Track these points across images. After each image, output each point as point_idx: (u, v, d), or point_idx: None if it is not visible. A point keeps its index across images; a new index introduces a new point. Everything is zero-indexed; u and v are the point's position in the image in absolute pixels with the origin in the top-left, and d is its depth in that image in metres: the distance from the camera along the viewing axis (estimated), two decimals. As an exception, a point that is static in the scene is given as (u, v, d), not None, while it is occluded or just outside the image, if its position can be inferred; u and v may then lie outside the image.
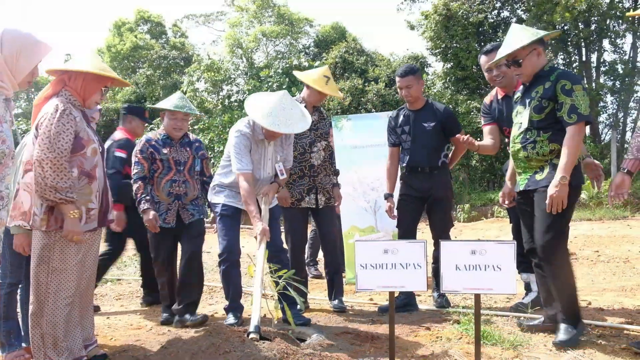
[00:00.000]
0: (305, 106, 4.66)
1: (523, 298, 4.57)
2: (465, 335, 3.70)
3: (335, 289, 4.89)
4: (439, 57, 18.17)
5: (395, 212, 4.77)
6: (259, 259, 3.72)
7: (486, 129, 4.54)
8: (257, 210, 4.06)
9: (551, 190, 3.44)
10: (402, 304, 4.71)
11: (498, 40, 19.10)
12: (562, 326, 3.56)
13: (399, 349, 3.50)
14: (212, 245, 9.09)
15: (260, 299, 3.44)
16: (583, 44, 17.01)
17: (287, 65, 19.72)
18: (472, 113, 15.97)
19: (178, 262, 4.59)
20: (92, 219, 3.19)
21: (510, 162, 4.09)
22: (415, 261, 2.94)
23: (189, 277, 4.39)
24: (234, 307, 4.33)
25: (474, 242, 2.99)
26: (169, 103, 4.48)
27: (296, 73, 5.06)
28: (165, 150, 4.41)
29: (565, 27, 16.56)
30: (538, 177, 3.65)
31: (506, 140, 4.30)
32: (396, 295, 5.04)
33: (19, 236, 3.29)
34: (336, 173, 4.96)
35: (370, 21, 49.96)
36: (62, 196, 2.95)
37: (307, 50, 21.95)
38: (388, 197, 4.79)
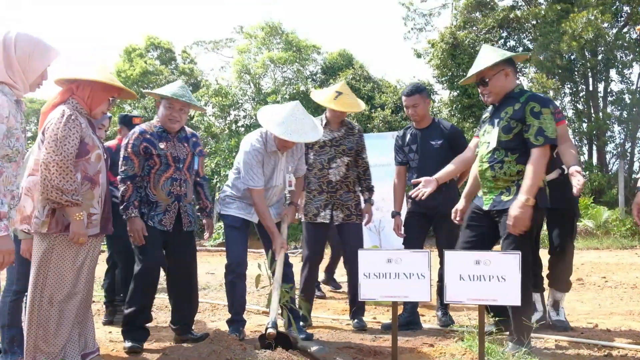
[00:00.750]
0: (327, 123, 4.72)
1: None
2: (469, 351, 3.63)
3: (356, 307, 4.80)
4: (445, 85, 18.29)
5: (402, 230, 4.73)
6: (279, 263, 3.91)
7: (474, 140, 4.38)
8: (275, 226, 4.14)
9: (514, 211, 3.40)
10: (406, 322, 4.65)
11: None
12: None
13: (402, 364, 3.46)
14: (216, 267, 9.12)
15: (277, 299, 3.59)
16: (590, 73, 17.06)
17: (295, 91, 19.85)
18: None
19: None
20: (93, 224, 3.22)
21: (470, 180, 4.21)
22: (419, 271, 2.92)
23: (184, 296, 4.11)
24: (237, 320, 4.27)
25: (478, 252, 2.97)
26: (166, 90, 4.03)
27: (312, 93, 5.08)
28: (162, 145, 3.93)
29: (572, 57, 16.66)
30: (504, 197, 3.63)
31: None
32: (399, 312, 5.00)
33: (26, 241, 3.33)
34: (369, 189, 4.86)
35: (377, 49, 50.40)
36: (68, 198, 3.00)
37: (314, 77, 22.10)
38: (395, 215, 4.76)
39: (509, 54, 3.75)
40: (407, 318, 4.70)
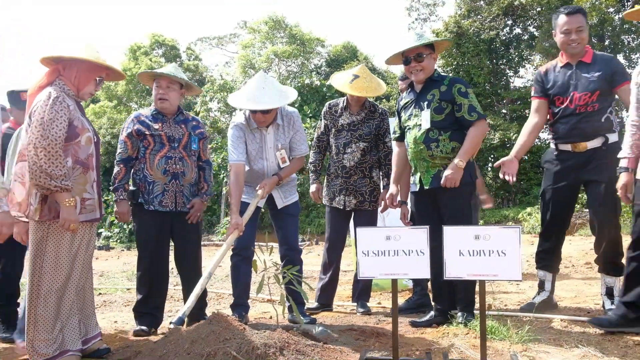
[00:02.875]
0: (346, 106, 4.67)
1: (534, 297, 4.47)
2: (472, 331, 3.61)
3: (360, 291, 4.80)
4: (450, 74, 18.19)
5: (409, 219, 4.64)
6: (220, 250, 3.80)
7: (535, 103, 4.36)
8: (238, 205, 4.02)
9: (447, 171, 3.72)
10: (416, 305, 4.64)
11: (510, 56, 19.14)
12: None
13: (404, 344, 3.43)
14: (223, 260, 9.15)
15: (199, 291, 3.52)
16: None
17: (299, 84, 19.84)
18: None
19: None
20: (87, 210, 3.17)
21: (394, 168, 4.24)
22: (418, 248, 2.88)
23: (191, 281, 4.01)
24: (240, 304, 4.26)
25: (477, 227, 2.93)
26: (155, 70, 4.13)
27: (333, 76, 5.02)
28: (156, 126, 4.00)
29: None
30: (443, 175, 3.80)
31: (555, 110, 4.23)
32: (409, 296, 4.97)
33: (17, 225, 3.29)
34: (389, 175, 4.56)
35: (381, 40, 50.30)
36: (57, 183, 2.92)
37: (319, 70, 22.11)
38: (402, 204, 4.41)
39: (436, 38, 4.07)
40: (417, 300, 4.69)
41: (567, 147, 4.18)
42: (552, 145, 4.33)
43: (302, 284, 3.86)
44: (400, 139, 4.19)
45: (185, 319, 3.30)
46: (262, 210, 4.50)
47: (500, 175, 4.25)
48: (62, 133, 2.99)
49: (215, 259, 3.71)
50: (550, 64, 4.38)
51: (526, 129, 4.36)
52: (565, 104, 4.14)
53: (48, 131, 2.92)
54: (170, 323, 3.28)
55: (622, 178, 3.69)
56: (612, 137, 4.06)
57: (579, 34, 4.09)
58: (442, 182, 3.75)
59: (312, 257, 11.06)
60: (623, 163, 3.71)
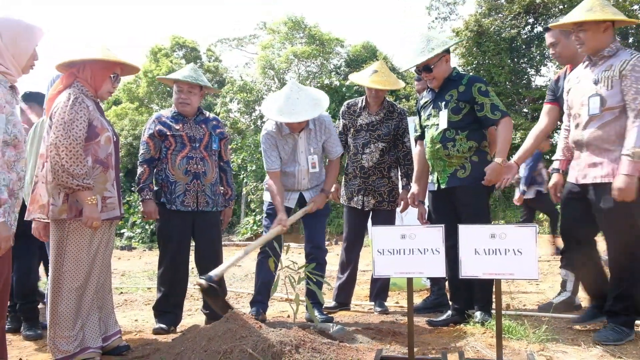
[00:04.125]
0: (365, 106, 4.68)
1: (554, 297, 4.44)
2: (489, 331, 3.60)
3: (376, 290, 4.80)
4: (472, 73, 18.05)
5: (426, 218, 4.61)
6: (261, 237, 4.04)
7: (545, 108, 4.30)
8: (282, 206, 4.11)
9: (490, 171, 3.74)
10: (434, 305, 4.64)
11: (532, 55, 18.95)
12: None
13: (420, 343, 3.43)
14: (243, 260, 9.18)
15: (236, 259, 3.72)
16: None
17: (319, 84, 19.84)
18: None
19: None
20: (109, 208, 3.22)
21: (416, 166, 4.29)
22: (434, 246, 2.88)
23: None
24: (259, 300, 4.30)
25: (493, 226, 2.92)
26: (175, 74, 4.14)
27: (352, 74, 5.03)
28: (177, 127, 4.06)
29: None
30: (460, 174, 3.89)
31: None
32: (427, 295, 4.96)
33: (36, 222, 3.38)
34: (408, 175, 4.59)
35: (400, 39, 50.06)
36: (79, 182, 2.98)
37: (338, 70, 22.06)
38: (419, 204, 4.35)
39: (449, 42, 4.03)
40: (435, 300, 4.69)
41: None
42: None
43: (323, 285, 3.89)
44: (422, 137, 4.21)
45: (210, 284, 3.42)
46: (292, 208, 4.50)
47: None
48: (83, 133, 3.06)
49: (255, 243, 3.90)
50: (562, 70, 4.32)
51: (534, 132, 4.25)
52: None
53: (69, 131, 2.99)
54: (200, 278, 3.44)
55: (553, 178, 4.02)
56: None
57: (553, 47, 4.11)
58: (485, 181, 3.76)
59: (332, 256, 11.02)
60: (555, 165, 4.00)
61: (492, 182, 3.75)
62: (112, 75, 3.29)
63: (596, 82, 3.42)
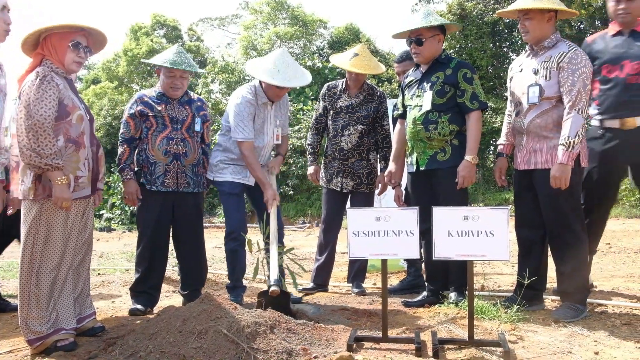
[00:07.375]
0: (345, 88, 4.68)
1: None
2: (463, 311, 3.64)
3: (354, 272, 4.82)
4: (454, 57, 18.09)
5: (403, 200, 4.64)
6: (271, 220, 3.87)
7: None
8: (266, 177, 4.10)
9: (463, 171, 3.76)
10: (410, 286, 4.69)
11: (514, 39, 19.03)
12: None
13: (395, 323, 3.48)
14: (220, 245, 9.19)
15: (276, 256, 3.55)
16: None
17: (301, 66, 19.74)
18: (486, 113, 15.86)
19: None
20: (80, 187, 3.17)
21: (395, 145, 4.28)
22: (408, 228, 2.91)
23: (190, 260, 4.19)
24: (237, 286, 4.29)
25: (466, 208, 2.96)
26: (163, 58, 4.04)
27: (332, 56, 4.99)
28: (160, 107, 4.01)
29: (582, 25, 16.42)
30: (440, 157, 3.90)
31: (602, 81, 3.87)
32: (404, 277, 5.01)
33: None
34: (386, 158, 4.58)
35: (384, 22, 49.93)
36: (48, 162, 2.93)
37: (321, 52, 22.00)
38: (396, 185, 4.40)
39: (445, 20, 3.98)
40: (411, 281, 4.74)
41: (615, 123, 3.81)
42: (596, 122, 3.94)
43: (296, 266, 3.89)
44: (403, 116, 4.20)
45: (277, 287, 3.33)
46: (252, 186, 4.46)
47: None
48: (52, 112, 2.98)
49: (272, 229, 3.81)
50: (599, 33, 4.10)
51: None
52: (614, 74, 3.81)
53: (34, 110, 2.92)
54: (271, 285, 3.33)
55: (498, 162, 4.01)
56: None
57: (628, 2, 3.76)
58: (459, 185, 3.79)
59: (312, 239, 11.08)
60: (500, 149, 4.04)
61: (467, 181, 3.79)
62: (70, 44, 3.14)
63: (536, 72, 3.61)
